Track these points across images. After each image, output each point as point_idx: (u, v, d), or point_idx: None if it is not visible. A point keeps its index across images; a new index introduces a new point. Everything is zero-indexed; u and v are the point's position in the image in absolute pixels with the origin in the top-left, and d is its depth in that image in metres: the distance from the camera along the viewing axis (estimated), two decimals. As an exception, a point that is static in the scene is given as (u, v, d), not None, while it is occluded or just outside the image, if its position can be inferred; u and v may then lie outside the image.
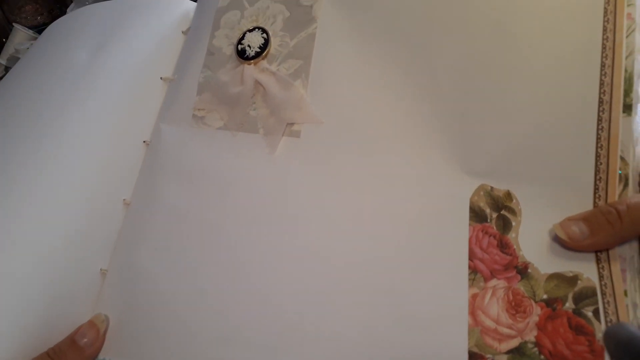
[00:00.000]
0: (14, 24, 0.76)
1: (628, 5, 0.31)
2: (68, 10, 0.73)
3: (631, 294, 0.27)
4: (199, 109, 0.38)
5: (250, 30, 0.38)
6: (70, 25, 0.43)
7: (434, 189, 0.32)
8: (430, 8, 0.34)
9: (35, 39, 0.73)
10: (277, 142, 0.35)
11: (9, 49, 0.73)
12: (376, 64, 0.35)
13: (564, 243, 0.28)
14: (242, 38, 0.38)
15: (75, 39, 0.41)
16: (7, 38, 0.76)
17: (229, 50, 0.39)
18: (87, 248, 0.33)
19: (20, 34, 0.75)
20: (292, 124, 0.36)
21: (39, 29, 0.79)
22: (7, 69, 0.71)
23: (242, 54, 0.38)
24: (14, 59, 0.71)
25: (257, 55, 0.38)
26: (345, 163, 0.34)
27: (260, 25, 0.39)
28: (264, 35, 0.38)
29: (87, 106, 0.37)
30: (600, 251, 0.28)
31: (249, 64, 0.38)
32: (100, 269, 0.34)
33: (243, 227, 0.33)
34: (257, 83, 0.37)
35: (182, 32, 0.43)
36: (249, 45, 0.38)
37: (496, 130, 0.32)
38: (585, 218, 0.28)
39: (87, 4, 0.64)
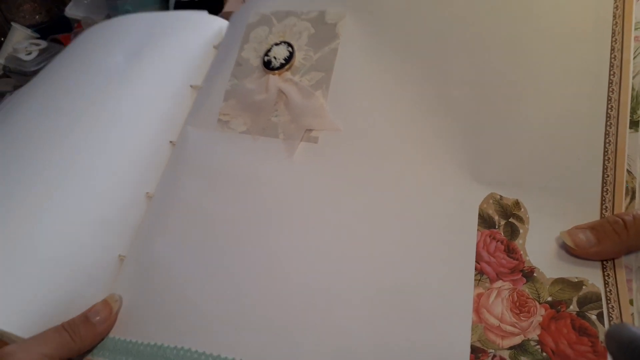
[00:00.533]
0: (12, 22, 0.76)
1: (635, 29, 0.32)
2: (66, 9, 0.74)
3: (637, 303, 0.27)
4: (224, 114, 0.41)
5: (276, 44, 0.41)
6: (108, 31, 0.47)
7: (445, 195, 0.33)
8: (446, 28, 0.36)
9: (34, 37, 0.74)
10: (296, 147, 0.37)
11: (7, 47, 0.73)
12: (393, 78, 0.37)
13: (570, 250, 0.29)
14: (269, 50, 0.41)
15: (113, 44, 0.44)
16: (5, 37, 0.76)
17: (256, 61, 0.42)
18: (108, 235, 0.35)
19: (18, 33, 0.75)
20: (311, 130, 0.38)
21: (38, 27, 0.79)
22: (5, 68, 0.71)
23: (267, 65, 0.41)
24: (12, 58, 0.71)
25: (282, 66, 0.40)
26: (360, 168, 0.36)
27: (287, 40, 0.41)
28: (289, 48, 0.41)
29: (121, 105, 0.39)
30: (606, 260, 0.28)
31: (274, 74, 0.40)
32: (119, 255, 0.36)
33: (259, 224, 0.35)
34: (281, 92, 0.39)
35: (214, 47, 0.46)
36: (274, 57, 0.41)
37: (507, 142, 0.33)
38: (593, 227, 0.29)
39: (85, 3, 0.70)
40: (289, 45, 0.41)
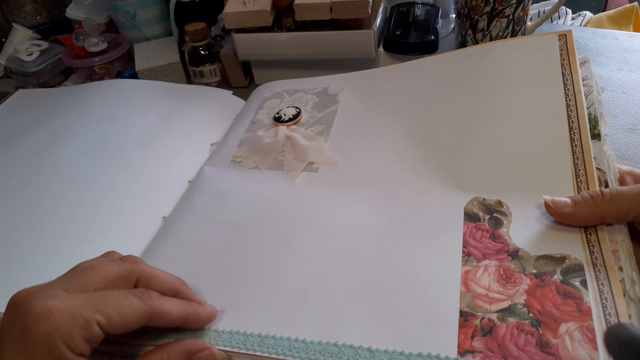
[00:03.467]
0: (13, 23, 0.76)
1: (583, 80, 0.40)
2: (67, 10, 0.74)
3: (627, 271, 0.29)
4: (237, 156, 0.46)
5: (287, 107, 0.49)
6: (142, 92, 0.56)
7: (432, 199, 0.37)
8: (428, 87, 0.45)
9: (35, 38, 0.74)
10: (298, 174, 0.42)
11: (9, 48, 0.73)
12: (384, 125, 0.44)
13: (548, 210, 0.31)
14: (280, 110, 0.49)
15: (146, 106, 0.53)
16: (6, 38, 0.76)
17: (268, 120, 0.49)
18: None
19: (19, 34, 0.75)
20: (313, 163, 0.43)
21: (39, 28, 0.79)
22: (6, 69, 0.71)
23: (278, 119, 0.48)
24: (13, 59, 0.70)
25: (290, 120, 0.47)
26: (356, 186, 0.40)
27: (295, 105, 0.49)
28: (297, 109, 0.48)
29: (150, 152, 0.46)
30: (588, 231, 0.31)
31: (283, 125, 0.47)
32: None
33: (262, 230, 0.38)
34: (287, 137, 0.45)
35: (234, 119, 0.54)
36: (284, 114, 0.48)
37: (485, 160, 0.38)
38: (574, 196, 0.32)
39: (86, 3, 0.72)
40: (297, 108, 0.49)
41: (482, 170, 0.38)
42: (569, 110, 0.38)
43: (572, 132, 0.37)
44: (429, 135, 0.42)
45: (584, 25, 0.79)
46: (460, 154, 0.39)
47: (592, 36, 0.60)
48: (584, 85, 0.39)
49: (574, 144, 0.36)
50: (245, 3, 0.54)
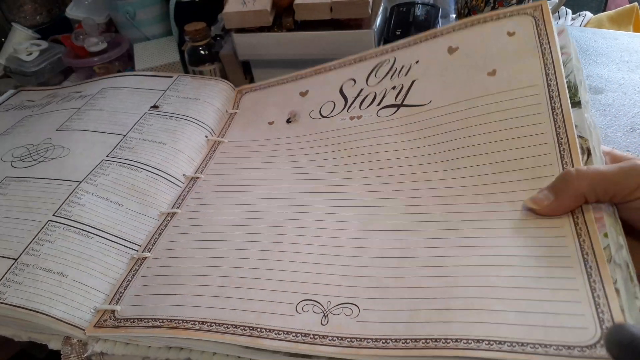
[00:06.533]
0: (13, 23, 0.75)
1: (562, 48, 0.39)
2: (67, 10, 0.73)
3: (612, 237, 0.28)
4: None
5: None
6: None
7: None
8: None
9: (35, 38, 0.73)
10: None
11: (8, 48, 0.71)
12: None
13: (533, 211, 0.31)
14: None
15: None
16: (6, 37, 0.74)
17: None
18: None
19: (19, 34, 0.73)
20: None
21: (38, 28, 0.77)
22: (6, 69, 0.70)
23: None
24: (13, 59, 0.69)
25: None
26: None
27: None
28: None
29: None
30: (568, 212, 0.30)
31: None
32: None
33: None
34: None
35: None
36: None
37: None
38: (550, 185, 0.31)
39: (86, 3, 0.72)
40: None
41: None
42: (548, 79, 0.37)
43: (552, 101, 0.36)
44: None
45: (584, 26, 0.79)
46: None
47: (592, 36, 0.60)
48: (562, 53, 0.39)
49: (554, 112, 0.35)
50: (245, 3, 0.54)
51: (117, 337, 0.30)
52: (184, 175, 0.42)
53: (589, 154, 0.33)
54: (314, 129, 0.44)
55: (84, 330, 0.31)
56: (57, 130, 0.46)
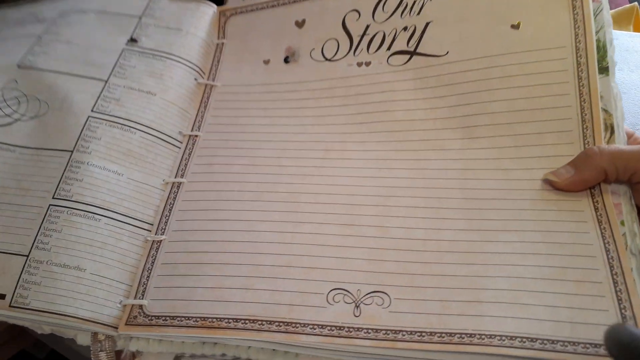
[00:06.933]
0: None
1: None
2: None
3: (628, 224, 0.29)
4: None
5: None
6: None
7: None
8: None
9: None
10: None
11: None
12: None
13: (554, 185, 0.31)
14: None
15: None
16: None
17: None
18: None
19: None
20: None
21: None
22: None
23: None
24: None
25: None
26: None
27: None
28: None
29: None
30: (588, 188, 0.31)
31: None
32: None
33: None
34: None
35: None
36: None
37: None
38: (570, 161, 0.31)
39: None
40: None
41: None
42: (577, 40, 0.35)
43: (579, 69, 0.34)
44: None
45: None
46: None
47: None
48: (592, 0, 0.36)
49: (580, 83, 0.33)
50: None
51: (151, 336, 0.31)
52: (180, 133, 0.39)
53: (612, 131, 0.32)
54: (317, 73, 0.40)
55: (115, 328, 0.31)
56: (19, 67, 0.40)
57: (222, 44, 0.44)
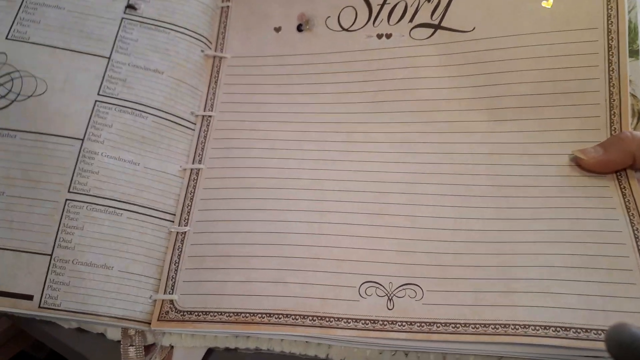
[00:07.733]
0: None
1: None
2: None
3: None
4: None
5: None
6: None
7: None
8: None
9: None
10: None
11: None
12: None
13: (580, 163, 0.31)
14: None
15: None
16: None
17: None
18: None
19: None
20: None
21: None
22: None
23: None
24: None
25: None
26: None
27: None
28: None
29: None
30: (619, 173, 0.31)
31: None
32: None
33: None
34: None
35: None
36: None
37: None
38: (601, 142, 0.32)
39: None
40: None
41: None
42: (609, 22, 0.34)
43: (610, 53, 0.33)
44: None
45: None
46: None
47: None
48: None
49: (610, 68, 0.33)
50: None
51: (184, 331, 0.31)
52: (192, 113, 0.37)
53: (639, 117, 0.32)
54: (335, 45, 0.38)
55: (148, 324, 0.31)
56: (7, 38, 0.37)
57: (228, 7, 0.41)
